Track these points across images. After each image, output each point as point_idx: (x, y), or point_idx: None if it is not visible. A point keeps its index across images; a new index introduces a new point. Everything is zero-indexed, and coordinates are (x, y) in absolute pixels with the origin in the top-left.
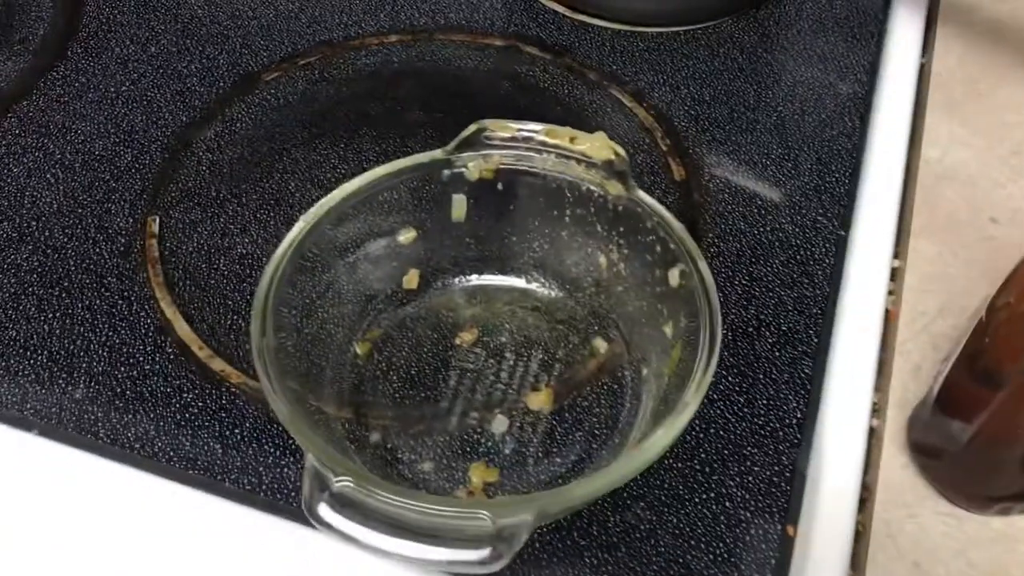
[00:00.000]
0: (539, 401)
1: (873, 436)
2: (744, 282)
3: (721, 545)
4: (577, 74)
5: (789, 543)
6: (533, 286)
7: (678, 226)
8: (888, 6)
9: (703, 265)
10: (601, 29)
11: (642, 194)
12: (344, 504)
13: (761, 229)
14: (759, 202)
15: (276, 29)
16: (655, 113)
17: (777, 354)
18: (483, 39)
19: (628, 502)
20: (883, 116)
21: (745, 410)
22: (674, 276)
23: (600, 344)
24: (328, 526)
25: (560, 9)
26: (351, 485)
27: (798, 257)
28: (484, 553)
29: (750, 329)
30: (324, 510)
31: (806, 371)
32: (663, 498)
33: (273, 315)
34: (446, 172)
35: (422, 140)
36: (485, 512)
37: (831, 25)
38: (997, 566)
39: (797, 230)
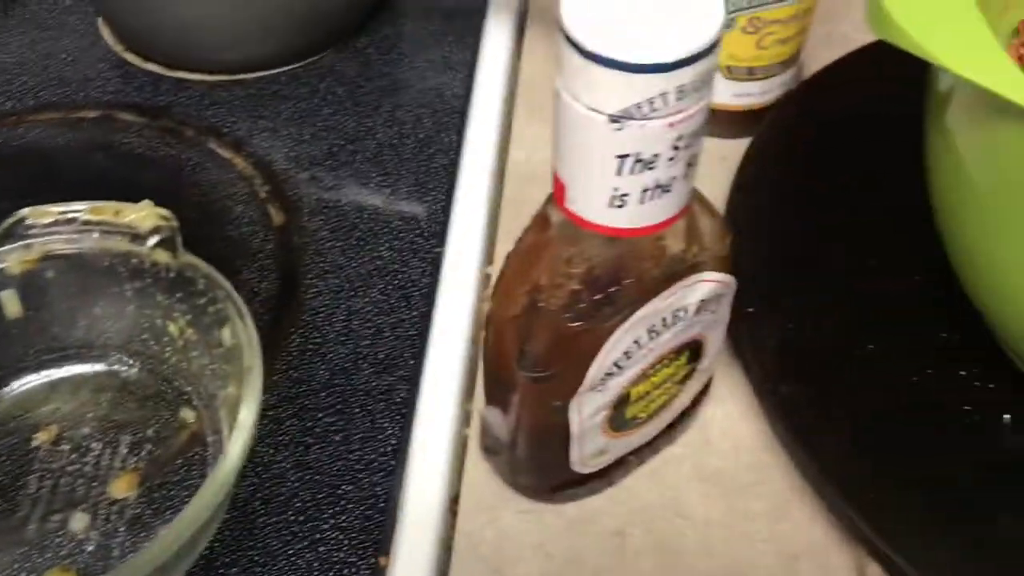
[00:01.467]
0: (123, 487)
1: (463, 447)
2: (343, 317)
3: None
4: (175, 134)
5: (381, 573)
6: (115, 367)
7: (226, 285)
8: (483, 17)
9: (248, 321)
10: (200, 83)
11: (190, 258)
12: None
13: (360, 261)
14: (358, 234)
15: None
16: (254, 160)
17: (374, 384)
18: (76, 112)
19: (221, 569)
20: (477, 127)
21: (341, 448)
22: (227, 335)
23: (188, 414)
24: None
25: (156, 68)
26: None
27: (396, 282)
28: None
29: (347, 364)
30: None
31: (402, 396)
32: (257, 558)
33: None
34: None
35: None
36: None
37: (430, 43)
38: (573, 552)
39: (395, 255)
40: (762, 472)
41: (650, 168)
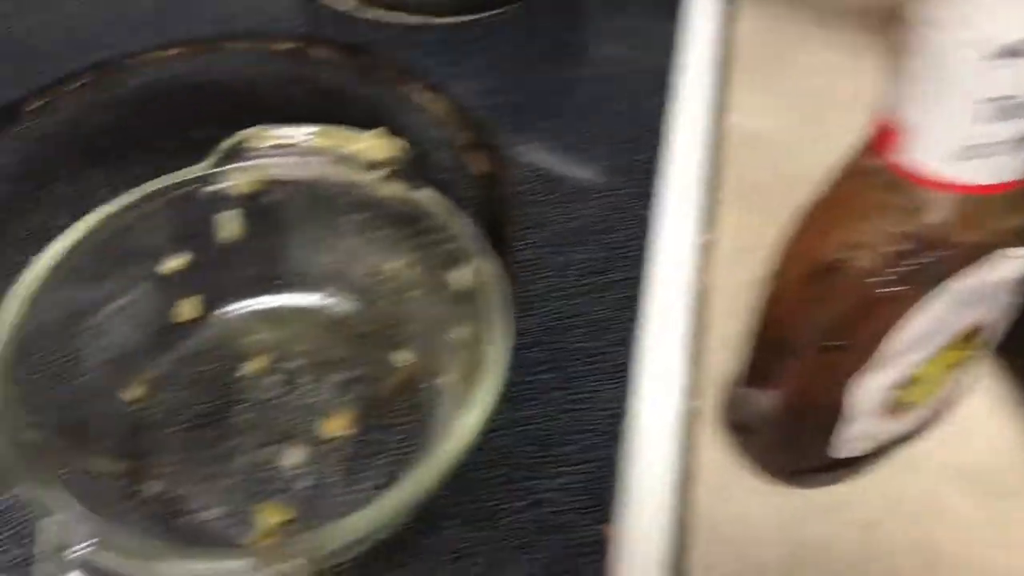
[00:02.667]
0: (337, 426)
1: (692, 419)
2: (553, 272)
3: (540, 554)
4: (370, 73)
5: (607, 542)
6: (327, 302)
7: (465, 223)
8: None
9: (488, 264)
10: (395, 24)
11: (427, 192)
12: (92, 573)
13: (568, 216)
14: (565, 188)
15: (40, 54)
16: (453, 106)
17: (590, 344)
18: (271, 44)
19: (441, 521)
20: (687, 87)
21: (559, 406)
22: (463, 276)
23: (401, 356)
24: None
25: (349, 7)
26: (97, 549)
27: (607, 241)
28: None
29: (562, 321)
30: None
31: (620, 359)
32: (477, 511)
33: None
34: (207, 190)
35: (203, 158)
36: (254, 561)
37: None
38: (825, 540)
39: (605, 213)
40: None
41: (1019, 116)
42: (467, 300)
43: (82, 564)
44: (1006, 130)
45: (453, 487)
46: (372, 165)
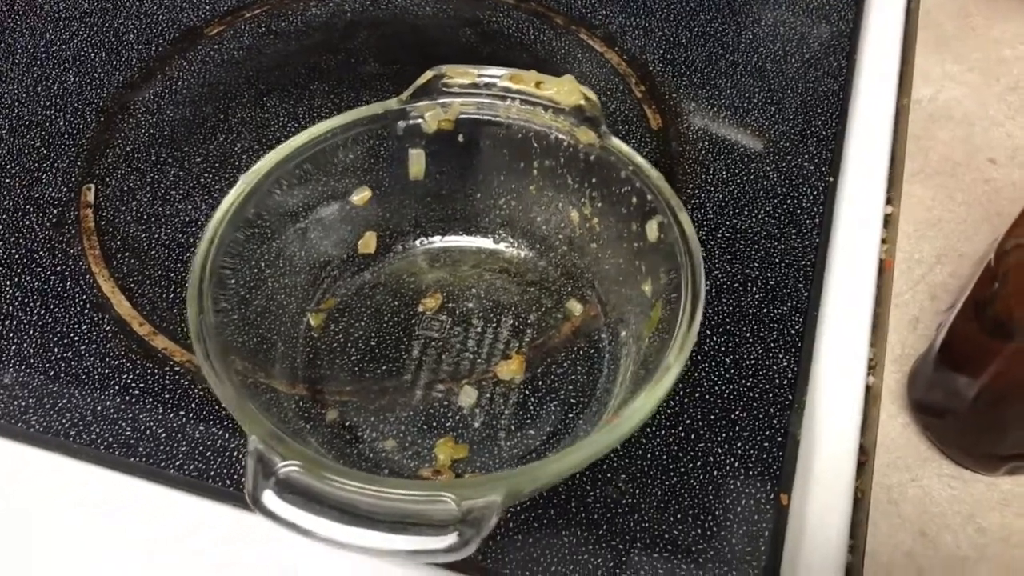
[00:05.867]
0: (510, 370)
1: (870, 395)
2: (728, 235)
3: (710, 517)
4: (543, 19)
5: (783, 512)
6: (501, 246)
7: (656, 175)
8: None
9: (684, 216)
10: None
11: (616, 142)
12: (291, 491)
13: (744, 178)
14: (741, 149)
15: None
16: (628, 58)
17: (765, 310)
18: None
19: (608, 475)
20: (870, 55)
21: (732, 371)
22: (652, 229)
23: (575, 306)
24: (273, 515)
25: None
26: (298, 470)
27: (784, 207)
28: (449, 539)
29: (735, 285)
30: (269, 498)
31: (796, 328)
32: (646, 469)
33: (213, 288)
34: (401, 124)
35: (378, 93)
36: (449, 494)
37: None
38: (1009, 530)
39: (782, 178)
40: None
41: None
42: (654, 254)
43: (282, 483)
44: None
45: (624, 442)
46: (562, 111)
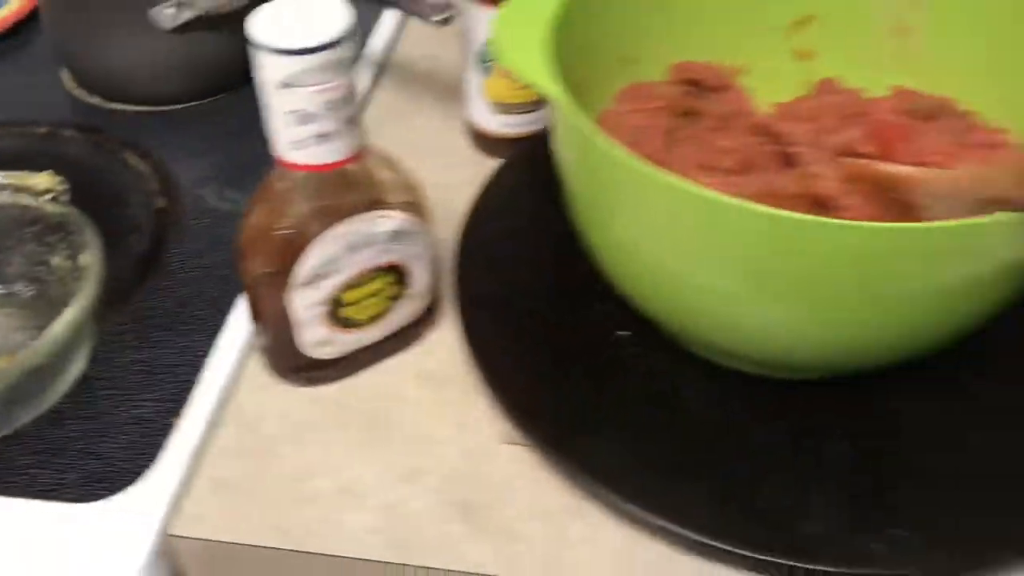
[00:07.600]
0: None
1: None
2: (196, 275)
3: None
4: (100, 146)
5: (174, 428)
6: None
7: (89, 227)
8: None
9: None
10: (127, 111)
11: (71, 209)
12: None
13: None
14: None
15: None
16: (153, 165)
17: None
18: (28, 128)
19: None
20: None
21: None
22: (84, 259)
23: None
24: None
25: (95, 101)
26: None
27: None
28: None
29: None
30: None
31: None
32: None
33: None
34: None
35: None
36: None
37: None
38: (303, 417)
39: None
40: (459, 380)
41: (312, 122)
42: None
43: None
44: (307, 131)
45: None
46: (40, 193)
